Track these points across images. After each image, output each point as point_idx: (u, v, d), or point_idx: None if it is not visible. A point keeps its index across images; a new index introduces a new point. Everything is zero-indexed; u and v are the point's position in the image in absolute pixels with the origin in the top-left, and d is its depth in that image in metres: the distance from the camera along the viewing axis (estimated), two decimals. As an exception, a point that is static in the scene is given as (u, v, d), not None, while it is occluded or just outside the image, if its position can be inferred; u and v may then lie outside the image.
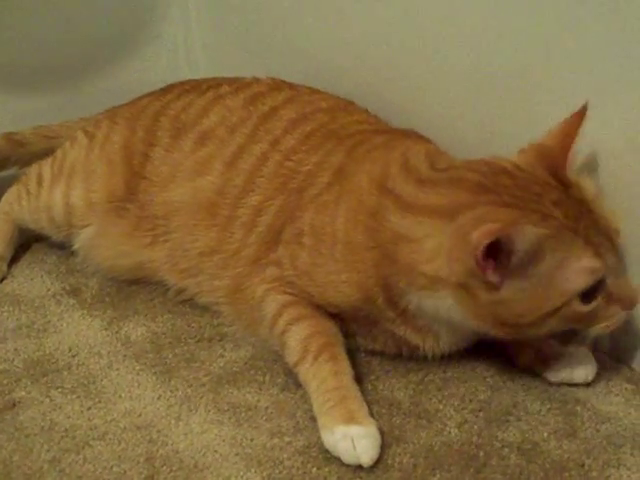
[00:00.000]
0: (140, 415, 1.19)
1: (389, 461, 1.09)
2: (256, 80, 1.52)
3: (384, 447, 1.10)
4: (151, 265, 1.44)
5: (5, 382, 1.26)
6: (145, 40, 1.94)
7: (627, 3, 1.11)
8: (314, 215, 1.24)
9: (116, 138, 1.50)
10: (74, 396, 1.23)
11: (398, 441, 1.12)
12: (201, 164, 1.39)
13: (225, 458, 1.11)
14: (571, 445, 1.11)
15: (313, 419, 1.15)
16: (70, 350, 1.33)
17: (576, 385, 1.20)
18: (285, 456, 1.10)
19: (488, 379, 1.23)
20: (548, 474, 1.06)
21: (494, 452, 1.10)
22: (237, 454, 1.11)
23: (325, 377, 1.15)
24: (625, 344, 1.24)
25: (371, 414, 1.12)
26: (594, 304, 1.08)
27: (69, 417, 1.19)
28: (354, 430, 1.08)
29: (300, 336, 1.21)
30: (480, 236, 1.02)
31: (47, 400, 1.22)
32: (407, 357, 1.25)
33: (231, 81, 1.53)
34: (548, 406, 1.17)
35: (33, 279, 1.53)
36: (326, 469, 1.08)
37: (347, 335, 1.24)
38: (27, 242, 1.62)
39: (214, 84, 1.53)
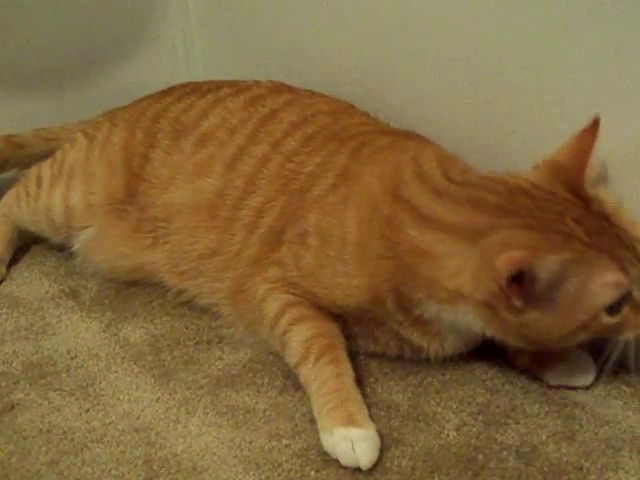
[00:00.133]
0: (138, 417, 1.19)
1: (387, 464, 1.09)
2: (256, 83, 1.52)
3: (382, 450, 1.10)
4: (151, 267, 1.44)
5: (3, 384, 1.26)
6: (144, 42, 1.94)
7: (632, 6, 1.11)
8: (320, 216, 1.24)
9: (116, 140, 1.50)
10: (72, 398, 1.23)
11: (396, 444, 1.12)
12: (201, 166, 1.39)
13: (223, 461, 1.11)
14: (570, 448, 1.10)
15: (311, 422, 1.15)
16: (69, 352, 1.33)
17: (575, 388, 1.20)
18: (283, 459, 1.10)
19: (487, 382, 1.23)
20: (546, 477, 1.06)
21: (493, 455, 1.10)
22: (235, 457, 1.11)
23: (326, 379, 1.15)
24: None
25: (370, 417, 1.12)
26: (621, 315, 1.08)
27: (67, 419, 1.19)
28: (354, 433, 1.08)
29: (302, 337, 1.21)
30: (504, 265, 1.02)
31: (45, 402, 1.22)
32: (407, 359, 1.25)
33: (231, 84, 1.53)
34: (547, 409, 1.17)
35: (32, 281, 1.53)
36: (324, 472, 1.08)
37: (348, 337, 1.24)
38: (26, 244, 1.62)
39: (214, 87, 1.53)
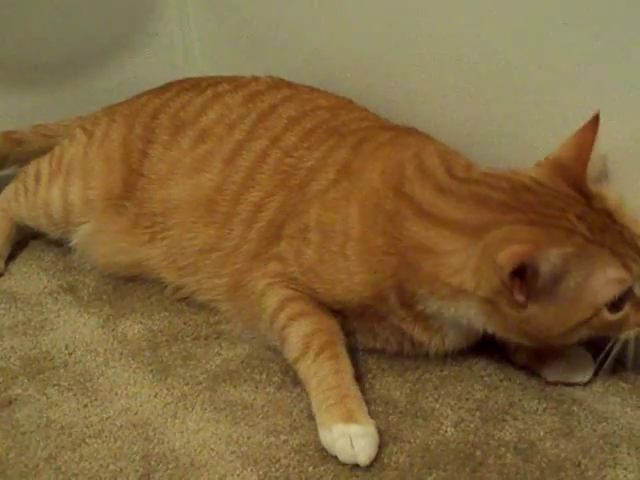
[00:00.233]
0: (136, 413, 1.19)
1: (385, 460, 1.09)
2: (255, 79, 1.52)
3: (380, 446, 1.10)
4: (149, 262, 1.44)
5: (1, 379, 1.26)
6: (143, 38, 1.94)
7: (629, 4, 1.10)
8: (321, 212, 1.24)
9: (114, 135, 1.50)
10: (70, 394, 1.23)
11: (394, 440, 1.12)
12: (200, 161, 1.39)
13: (221, 456, 1.11)
14: (568, 444, 1.10)
15: (310, 418, 1.14)
16: (67, 348, 1.33)
17: (573, 385, 1.20)
18: (281, 454, 1.10)
19: (485, 378, 1.23)
20: (544, 473, 1.06)
21: (490, 451, 1.10)
22: (233, 452, 1.11)
23: (325, 375, 1.14)
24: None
25: (368, 413, 1.12)
26: (623, 312, 1.08)
27: (65, 415, 1.19)
28: (352, 429, 1.08)
29: (302, 332, 1.20)
30: (506, 259, 1.02)
31: (43, 398, 1.22)
32: (406, 355, 1.25)
33: (230, 79, 1.53)
34: (545, 405, 1.17)
35: (30, 276, 1.53)
36: (322, 468, 1.08)
37: (347, 333, 1.24)
38: (24, 239, 1.62)
39: (213, 82, 1.53)
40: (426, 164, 1.21)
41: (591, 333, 1.11)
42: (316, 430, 1.12)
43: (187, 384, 1.24)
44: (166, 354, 1.31)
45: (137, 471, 1.09)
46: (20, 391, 1.24)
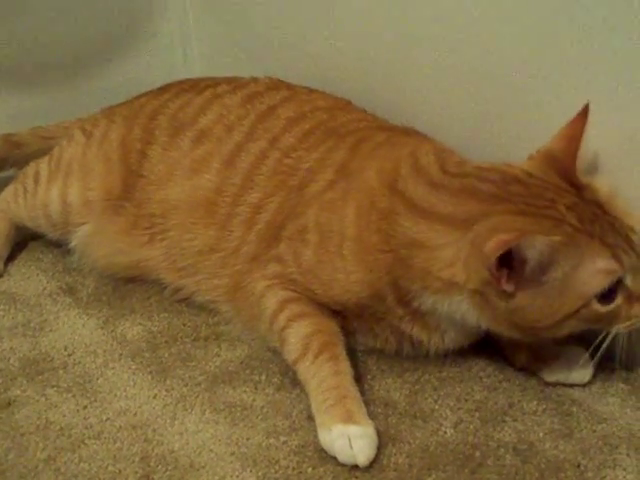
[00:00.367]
0: (136, 414, 1.19)
1: (384, 461, 1.09)
2: (254, 79, 1.52)
3: (380, 447, 1.10)
4: (148, 263, 1.44)
5: (0, 381, 1.26)
6: (142, 39, 1.94)
7: (626, 2, 1.11)
8: (319, 212, 1.24)
9: (113, 136, 1.50)
10: (69, 395, 1.23)
11: (394, 441, 1.12)
12: (199, 162, 1.39)
13: (221, 457, 1.11)
14: (567, 445, 1.10)
15: (309, 419, 1.15)
16: (66, 349, 1.33)
17: (572, 386, 1.20)
18: (281, 455, 1.10)
19: (484, 379, 1.23)
20: (544, 474, 1.06)
21: (490, 452, 1.10)
22: (232, 453, 1.11)
23: (325, 376, 1.15)
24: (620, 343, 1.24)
25: (367, 414, 1.12)
26: (614, 305, 1.08)
27: (64, 416, 1.19)
28: (352, 430, 1.08)
29: (301, 333, 1.20)
30: (492, 247, 1.02)
31: (43, 399, 1.22)
32: (406, 355, 1.25)
33: (229, 80, 1.53)
34: (544, 406, 1.17)
35: (29, 277, 1.52)
36: (321, 469, 1.08)
37: (347, 333, 1.24)
38: (24, 240, 1.62)
39: (212, 83, 1.53)
40: (421, 162, 1.21)
41: (581, 326, 1.11)
42: (315, 431, 1.12)
43: (186, 385, 1.24)
44: (165, 355, 1.31)
45: (136, 472, 1.09)
46: (19, 392, 1.23)
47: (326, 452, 1.09)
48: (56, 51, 1.84)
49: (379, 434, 1.10)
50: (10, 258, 1.57)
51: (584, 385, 1.20)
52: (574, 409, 1.17)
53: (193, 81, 1.58)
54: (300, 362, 1.18)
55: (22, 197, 1.57)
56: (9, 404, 1.21)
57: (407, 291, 1.16)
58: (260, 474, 1.08)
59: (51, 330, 1.37)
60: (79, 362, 1.30)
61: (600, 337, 1.12)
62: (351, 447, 1.07)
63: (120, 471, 1.09)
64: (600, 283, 1.06)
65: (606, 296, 1.07)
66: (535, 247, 1.03)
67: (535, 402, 1.18)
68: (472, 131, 1.36)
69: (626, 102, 1.14)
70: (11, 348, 1.33)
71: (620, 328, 1.11)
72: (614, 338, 1.12)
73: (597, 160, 1.18)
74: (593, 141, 1.15)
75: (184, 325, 1.38)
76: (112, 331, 1.37)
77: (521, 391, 1.20)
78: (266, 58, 1.74)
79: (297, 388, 1.20)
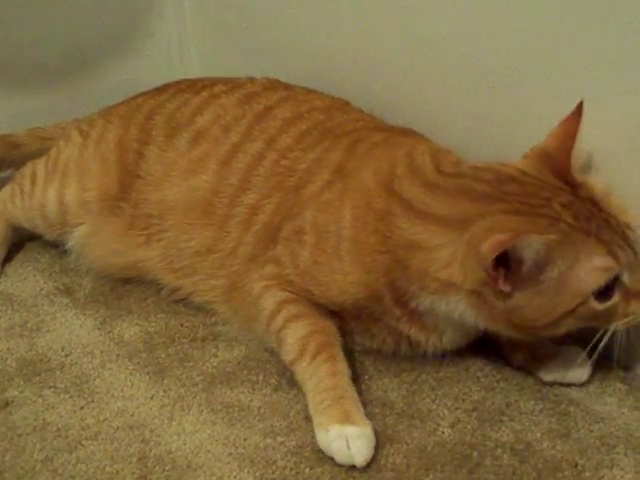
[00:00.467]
0: (133, 415, 1.19)
1: (382, 461, 1.09)
2: (251, 80, 1.52)
3: (377, 447, 1.10)
4: (145, 264, 1.43)
5: (-2, 381, 1.26)
6: (140, 39, 1.94)
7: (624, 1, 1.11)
8: (316, 213, 1.24)
9: (110, 137, 1.50)
10: (67, 396, 1.23)
11: (391, 441, 1.12)
12: (196, 163, 1.39)
13: (218, 458, 1.10)
14: (564, 445, 1.10)
15: (306, 419, 1.15)
16: (63, 349, 1.32)
17: (570, 385, 1.20)
18: (278, 456, 1.10)
19: (482, 379, 1.23)
20: (541, 474, 1.06)
21: (487, 452, 1.10)
22: (230, 454, 1.11)
23: (322, 377, 1.15)
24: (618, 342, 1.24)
25: (365, 414, 1.12)
26: (611, 302, 1.08)
27: (62, 417, 1.19)
28: (349, 430, 1.08)
29: (299, 334, 1.20)
30: (488, 248, 1.02)
31: (40, 400, 1.22)
32: (403, 355, 1.25)
33: (226, 81, 1.53)
34: (541, 406, 1.17)
35: (26, 278, 1.52)
36: (319, 469, 1.08)
37: (344, 334, 1.24)
38: (21, 241, 1.62)
39: (209, 83, 1.53)
40: (416, 162, 1.21)
41: (579, 324, 1.10)
42: (313, 432, 1.12)
43: (184, 386, 1.24)
44: (163, 356, 1.31)
45: (134, 473, 1.08)
46: (16, 393, 1.23)
47: (323, 452, 1.09)
48: (54, 51, 1.84)
49: (376, 434, 1.10)
50: (7, 259, 1.57)
51: (581, 385, 1.20)
52: (571, 409, 1.17)
53: (190, 81, 1.58)
54: (297, 363, 1.18)
55: (19, 198, 1.57)
56: (6, 405, 1.21)
57: (404, 292, 1.15)
58: (257, 474, 1.07)
59: (48, 331, 1.37)
60: (76, 363, 1.30)
61: (598, 335, 1.12)
62: (349, 448, 1.07)
63: (117, 472, 1.09)
64: (597, 280, 1.06)
65: (603, 293, 1.07)
66: (531, 247, 1.03)
67: (532, 402, 1.18)
68: (471, 131, 1.36)
69: (625, 101, 1.14)
70: (8, 349, 1.33)
71: (618, 325, 1.11)
72: (612, 336, 1.12)
73: (596, 160, 1.18)
74: (593, 141, 1.15)
75: (181, 326, 1.38)
76: (109, 332, 1.37)
77: (518, 391, 1.20)
78: (264, 58, 1.74)
79: (294, 388, 1.20)
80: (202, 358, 1.30)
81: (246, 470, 1.08)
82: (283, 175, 1.32)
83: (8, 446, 1.14)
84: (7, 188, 1.61)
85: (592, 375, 1.21)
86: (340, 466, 1.08)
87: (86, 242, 1.49)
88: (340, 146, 1.30)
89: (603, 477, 1.06)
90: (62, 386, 1.25)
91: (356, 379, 1.20)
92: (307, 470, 1.08)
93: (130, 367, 1.28)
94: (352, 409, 1.11)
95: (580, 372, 1.20)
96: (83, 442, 1.14)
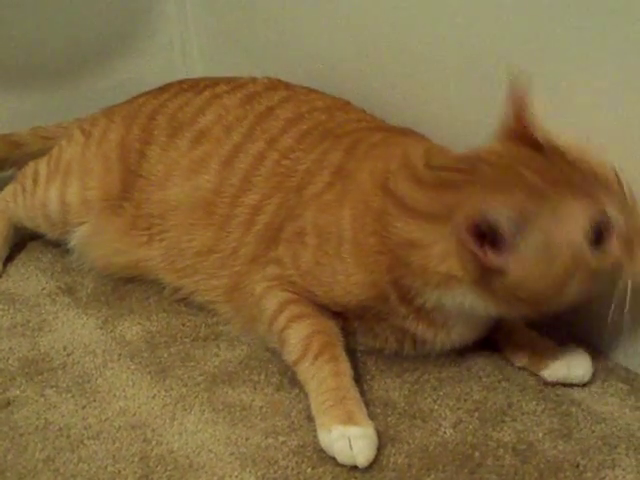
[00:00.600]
0: (135, 414, 1.19)
1: (384, 461, 1.09)
2: (253, 80, 1.52)
3: (379, 447, 1.09)
4: (147, 264, 1.43)
5: (0, 381, 1.26)
6: (142, 39, 1.94)
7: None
8: (317, 214, 1.24)
9: (113, 136, 1.50)
10: (69, 395, 1.23)
11: (393, 441, 1.12)
12: (197, 163, 1.39)
13: (220, 458, 1.10)
14: (566, 446, 1.11)
15: (308, 419, 1.15)
16: (65, 349, 1.32)
17: (572, 385, 1.20)
18: (280, 456, 1.10)
19: (483, 379, 1.23)
20: (543, 474, 1.06)
21: (489, 452, 1.10)
22: (232, 454, 1.11)
23: (325, 377, 1.15)
24: (620, 343, 1.24)
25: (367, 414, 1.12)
26: (610, 252, 1.06)
27: (63, 416, 1.19)
28: (351, 430, 1.08)
29: (301, 334, 1.20)
30: (461, 228, 1.03)
31: (42, 399, 1.22)
32: (406, 355, 1.25)
33: (228, 80, 1.53)
34: (543, 406, 1.17)
35: (28, 277, 1.52)
36: (321, 469, 1.08)
37: (347, 334, 1.24)
38: (22, 240, 1.62)
39: (211, 83, 1.52)
40: (410, 159, 1.20)
41: (588, 286, 1.08)
42: (315, 431, 1.12)
43: (185, 385, 1.24)
44: (164, 355, 1.31)
45: (135, 472, 1.08)
46: (18, 392, 1.23)
47: (325, 452, 1.09)
48: (56, 51, 1.84)
49: (378, 434, 1.10)
50: (9, 258, 1.57)
51: (583, 385, 1.20)
52: (573, 409, 1.17)
53: (192, 81, 1.57)
54: (300, 363, 1.18)
55: (21, 197, 1.57)
56: (8, 404, 1.21)
57: (409, 289, 1.15)
58: (259, 474, 1.07)
59: (50, 330, 1.37)
60: (78, 362, 1.30)
61: (616, 294, 1.09)
62: (351, 448, 1.07)
63: (119, 471, 1.09)
64: (581, 225, 1.05)
65: (596, 242, 1.05)
66: (500, 212, 1.03)
67: (534, 402, 1.18)
68: (472, 132, 1.36)
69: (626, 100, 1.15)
70: (10, 348, 1.33)
71: (627, 276, 1.08)
72: (622, 298, 1.09)
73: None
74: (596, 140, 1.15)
75: (183, 325, 1.38)
76: (111, 331, 1.37)
77: (520, 391, 1.20)
78: (266, 58, 1.74)
79: (296, 388, 1.20)
80: (204, 358, 1.30)
81: (248, 470, 1.08)
82: (284, 175, 1.32)
83: (10, 445, 1.14)
84: (9, 187, 1.61)
85: (594, 375, 1.21)
86: (342, 466, 1.08)
87: (88, 241, 1.49)
88: (340, 147, 1.30)
89: (605, 477, 1.05)
90: (64, 385, 1.25)
91: (358, 379, 1.19)
92: (309, 470, 1.08)
93: (132, 367, 1.28)
94: (355, 409, 1.11)
95: (582, 372, 1.20)
96: (85, 441, 1.14)
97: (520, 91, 1.12)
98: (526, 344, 1.24)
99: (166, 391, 1.23)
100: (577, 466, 1.07)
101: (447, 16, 1.35)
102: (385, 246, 1.16)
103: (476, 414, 1.16)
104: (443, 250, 1.10)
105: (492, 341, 1.26)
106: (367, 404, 1.15)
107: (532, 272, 1.06)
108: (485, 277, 1.08)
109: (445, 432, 1.14)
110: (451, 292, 1.12)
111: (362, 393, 1.17)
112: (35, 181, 1.55)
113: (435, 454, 1.10)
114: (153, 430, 1.15)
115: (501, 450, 1.10)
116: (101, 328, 1.38)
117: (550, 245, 1.05)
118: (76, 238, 1.50)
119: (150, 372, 1.27)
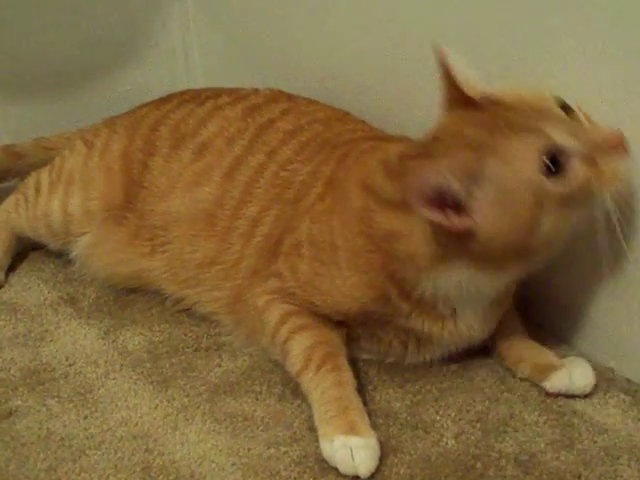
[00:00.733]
0: (137, 424, 1.19)
1: (386, 472, 1.08)
2: (255, 91, 1.53)
3: (381, 457, 1.09)
4: (149, 274, 1.44)
5: (2, 391, 1.25)
6: (144, 49, 1.95)
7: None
8: (311, 225, 1.25)
9: (115, 147, 1.50)
10: (70, 405, 1.23)
11: (395, 452, 1.12)
12: (199, 175, 1.40)
13: (222, 468, 1.10)
14: (568, 456, 1.10)
15: (310, 429, 1.14)
16: (67, 359, 1.32)
17: (574, 396, 1.20)
18: (282, 466, 1.10)
19: (485, 390, 1.23)
20: (545, 485, 1.06)
21: (491, 463, 1.10)
22: (234, 464, 1.11)
23: (327, 387, 1.15)
24: (622, 354, 1.24)
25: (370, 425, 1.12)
26: (574, 176, 1.05)
27: (65, 426, 1.18)
28: (353, 441, 1.08)
29: (303, 345, 1.21)
30: (419, 204, 1.04)
31: (43, 409, 1.22)
32: (410, 359, 1.26)
33: (230, 91, 1.53)
34: (545, 417, 1.17)
35: (30, 288, 1.52)
36: (322, 479, 1.08)
37: (349, 341, 1.24)
38: (24, 250, 1.62)
39: (213, 94, 1.53)
40: (389, 156, 1.21)
41: (565, 220, 1.08)
42: (316, 442, 1.12)
43: (187, 395, 1.24)
44: (166, 365, 1.31)
45: (137, 483, 1.09)
46: (20, 402, 1.23)
47: (327, 463, 1.09)
48: (58, 62, 1.84)
49: (380, 445, 1.10)
50: (11, 268, 1.57)
51: (585, 396, 1.20)
52: (575, 420, 1.17)
53: (195, 92, 1.58)
54: (303, 374, 1.18)
55: (23, 207, 1.57)
56: (10, 414, 1.21)
57: (406, 281, 1.16)
58: (261, 484, 1.08)
59: (52, 340, 1.37)
60: (80, 372, 1.30)
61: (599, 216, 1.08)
62: (353, 458, 1.07)
63: (121, 481, 1.09)
64: (530, 158, 1.05)
65: (556, 171, 1.05)
66: (442, 174, 1.04)
67: (536, 413, 1.18)
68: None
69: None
70: (12, 358, 1.33)
71: (607, 195, 1.06)
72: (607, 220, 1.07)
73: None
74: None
75: (185, 335, 1.38)
76: (113, 341, 1.37)
77: (522, 402, 1.20)
78: (267, 68, 1.75)
79: (298, 398, 1.20)
80: (206, 368, 1.30)
81: (250, 480, 1.08)
82: (282, 187, 1.32)
83: (12, 455, 1.13)
84: (11, 198, 1.61)
85: (596, 386, 1.21)
86: (344, 476, 1.08)
87: (90, 252, 1.49)
88: (332, 158, 1.31)
89: (607, 488, 1.06)
90: (66, 395, 1.25)
91: (360, 389, 1.19)
92: (311, 480, 1.08)
93: (134, 377, 1.28)
94: (357, 419, 1.11)
95: (584, 383, 1.20)
96: (87, 451, 1.14)
97: (443, 60, 1.14)
98: (528, 355, 1.24)
99: (168, 401, 1.23)
100: (579, 477, 1.07)
101: (447, 29, 1.35)
102: (374, 244, 1.17)
103: (478, 425, 1.16)
104: (422, 236, 1.11)
105: (495, 351, 1.26)
106: (369, 414, 1.15)
107: (499, 221, 1.07)
108: (463, 245, 1.08)
109: (447, 443, 1.13)
110: (444, 274, 1.13)
111: (364, 403, 1.17)
112: (37, 191, 1.56)
113: (437, 465, 1.10)
114: (155, 440, 1.15)
115: (503, 461, 1.10)
116: (103, 338, 1.38)
117: (506, 190, 1.05)
118: (78, 248, 1.50)
119: (152, 382, 1.27)
